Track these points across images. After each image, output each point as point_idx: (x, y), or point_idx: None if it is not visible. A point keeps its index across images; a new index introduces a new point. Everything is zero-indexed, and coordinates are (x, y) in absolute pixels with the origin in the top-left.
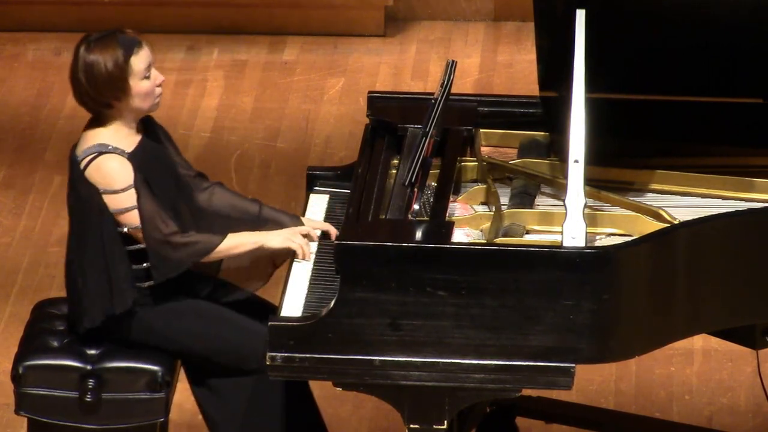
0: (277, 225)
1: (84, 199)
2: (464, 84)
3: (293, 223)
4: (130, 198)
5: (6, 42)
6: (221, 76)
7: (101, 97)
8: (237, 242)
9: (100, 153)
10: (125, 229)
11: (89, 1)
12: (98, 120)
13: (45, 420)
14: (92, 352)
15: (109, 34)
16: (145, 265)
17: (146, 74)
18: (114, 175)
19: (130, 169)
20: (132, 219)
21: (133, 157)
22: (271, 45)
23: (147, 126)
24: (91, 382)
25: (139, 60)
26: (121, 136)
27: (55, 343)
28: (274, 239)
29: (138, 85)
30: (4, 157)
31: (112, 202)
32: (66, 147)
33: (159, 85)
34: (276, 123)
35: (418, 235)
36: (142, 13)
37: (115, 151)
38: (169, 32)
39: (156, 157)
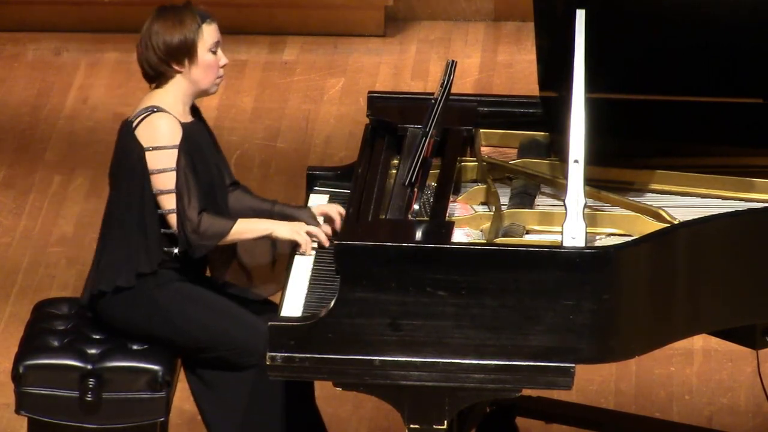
0: (289, 218)
1: (130, 160)
2: (464, 84)
3: (304, 214)
4: (169, 158)
5: (6, 42)
6: None
7: (168, 56)
8: (247, 228)
9: (154, 111)
10: (156, 192)
11: (89, 1)
12: (157, 90)
13: (45, 420)
14: (93, 351)
15: (183, 5)
16: (173, 230)
17: (213, 48)
18: (161, 131)
19: (179, 132)
20: (164, 182)
21: (185, 128)
22: (271, 45)
23: (198, 119)
24: (91, 382)
25: (210, 31)
26: (178, 110)
27: (56, 343)
28: (282, 229)
29: (204, 55)
30: (4, 157)
31: (152, 159)
32: (66, 147)
33: (222, 67)
34: (276, 123)
35: (418, 235)
36: (143, 13)
37: (170, 112)
38: None
39: (205, 141)
